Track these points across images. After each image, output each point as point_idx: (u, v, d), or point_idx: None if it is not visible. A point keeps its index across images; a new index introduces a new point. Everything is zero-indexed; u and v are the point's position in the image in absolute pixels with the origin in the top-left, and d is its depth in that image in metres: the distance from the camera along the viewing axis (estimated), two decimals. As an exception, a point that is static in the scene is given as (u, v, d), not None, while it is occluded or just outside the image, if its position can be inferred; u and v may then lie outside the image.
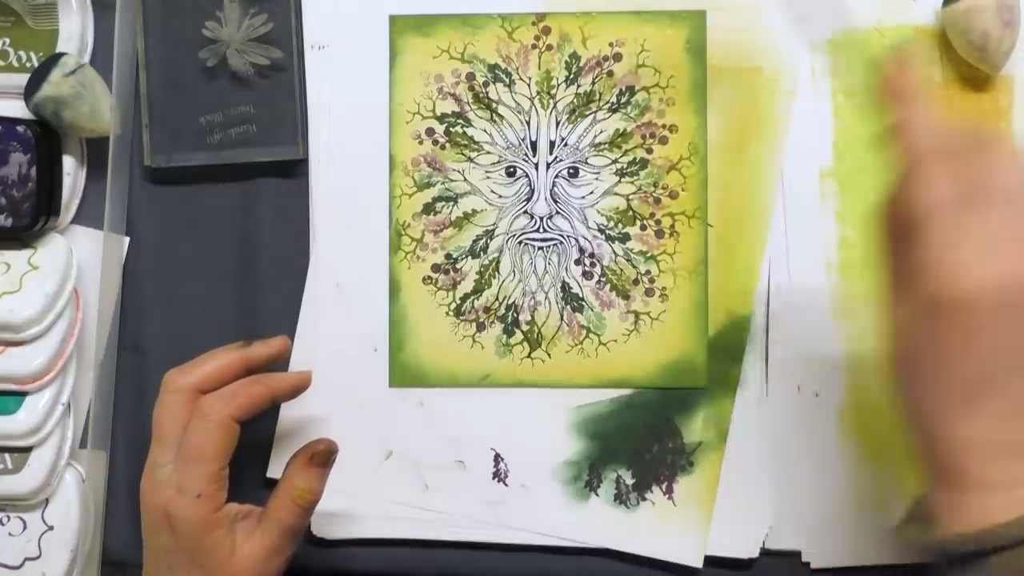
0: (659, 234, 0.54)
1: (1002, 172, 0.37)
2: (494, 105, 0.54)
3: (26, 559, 0.52)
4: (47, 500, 0.53)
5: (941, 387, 0.37)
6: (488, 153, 0.54)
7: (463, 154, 0.54)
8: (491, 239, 0.54)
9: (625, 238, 0.54)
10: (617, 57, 0.54)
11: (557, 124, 0.54)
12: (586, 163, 0.54)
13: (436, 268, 0.54)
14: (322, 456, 0.47)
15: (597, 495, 0.53)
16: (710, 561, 0.52)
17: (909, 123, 0.39)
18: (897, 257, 0.39)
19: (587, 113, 0.54)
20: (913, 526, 0.39)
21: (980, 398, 0.36)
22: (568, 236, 0.54)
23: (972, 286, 0.35)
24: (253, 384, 0.47)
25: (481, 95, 0.54)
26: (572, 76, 0.54)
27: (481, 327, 0.54)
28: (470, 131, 0.54)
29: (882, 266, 0.40)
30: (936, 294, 0.36)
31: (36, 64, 0.53)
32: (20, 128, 0.51)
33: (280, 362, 0.51)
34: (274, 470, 0.53)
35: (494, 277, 0.54)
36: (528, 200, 0.54)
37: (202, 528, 0.45)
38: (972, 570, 0.35)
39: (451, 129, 0.54)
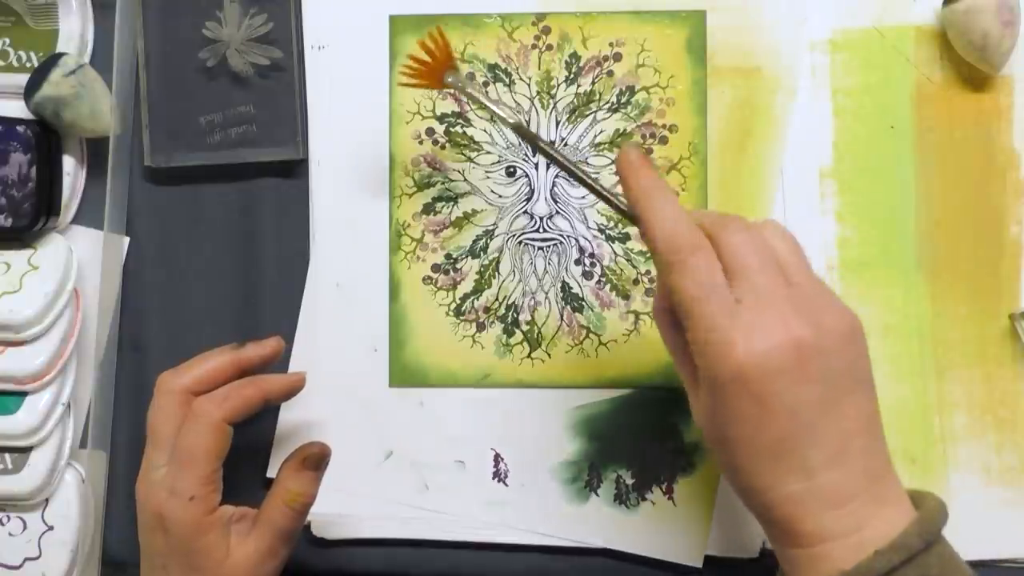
0: (659, 234, 0.54)
1: (746, 249, 0.39)
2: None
3: (26, 559, 0.52)
4: (47, 500, 0.53)
5: (750, 455, 0.38)
6: (488, 153, 0.54)
7: (463, 154, 0.54)
8: (491, 239, 0.54)
9: (625, 238, 0.54)
10: (617, 57, 0.54)
11: (557, 124, 0.54)
12: (586, 163, 0.54)
13: (436, 268, 0.54)
14: (314, 460, 0.47)
15: (597, 495, 0.53)
16: (710, 561, 0.52)
17: (653, 222, 0.40)
18: (678, 347, 0.42)
19: (587, 113, 0.54)
20: None
21: (789, 457, 0.37)
22: (568, 236, 0.54)
23: (741, 361, 0.37)
24: (246, 386, 0.47)
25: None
26: (572, 76, 0.54)
27: (481, 327, 0.54)
28: (470, 131, 0.54)
29: (673, 353, 0.43)
30: (713, 375, 0.38)
31: (36, 64, 0.53)
32: (20, 128, 0.51)
33: (275, 363, 0.51)
34: (274, 470, 0.53)
35: (494, 277, 0.54)
36: (528, 200, 0.54)
37: (195, 531, 0.45)
38: None
39: (451, 129, 0.54)
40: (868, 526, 0.37)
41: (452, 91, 0.54)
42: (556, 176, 0.54)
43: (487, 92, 0.54)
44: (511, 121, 0.47)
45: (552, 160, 0.46)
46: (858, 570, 0.36)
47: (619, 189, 0.54)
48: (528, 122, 0.54)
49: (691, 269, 0.39)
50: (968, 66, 0.53)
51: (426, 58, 0.49)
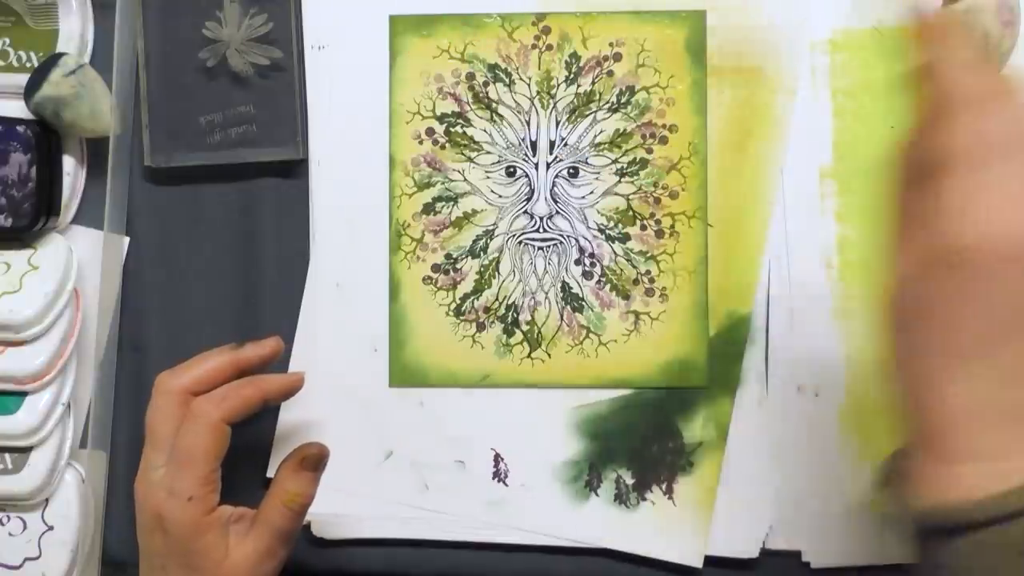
0: (659, 234, 0.54)
1: None
2: (494, 105, 0.54)
3: (26, 559, 0.52)
4: (47, 500, 0.53)
5: (939, 345, 0.34)
6: (488, 153, 0.54)
7: (463, 154, 0.54)
8: (491, 239, 0.54)
9: (625, 238, 0.54)
10: (617, 57, 0.54)
11: (557, 124, 0.54)
12: (586, 163, 0.54)
13: (436, 268, 0.54)
14: (312, 460, 0.47)
15: (597, 495, 0.53)
16: (710, 561, 0.52)
17: (940, 64, 0.36)
18: (910, 203, 0.37)
19: (587, 113, 0.54)
20: (891, 492, 0.37)
21: (978, 360, 0.34)
22: (568, 236, 0.54)
23: (990, 235, 0.33)
24: (244, 386, 0.47)
25: (481, 95, 0.54)
26: (572, 76, 0.54)
27: (481, 327, 0.54)
28: (470, 131, 0.54)
29: (892, 212, 0.38)
30: (951, 242, 0.34)
31: (36, 64, 0.53)
32: (20, 128, 0.51)
33: (274, 363, 0.50)
34: (273, 470, 0.53)
35: (494, 277, 0.54)
36: (528, 200, 0.54)
37: (193, 531, 0.45)
38: (954, 543, 0.33)
39: (451, 129, 0.54)
40: (1020, 456, 0.33)
41: (452, 91, 0.54)
42: (556, 176, 0.54)
43: (487, 92, 0.54)
44: None
45: None
46: (998, 499, 0.32)
47: (621, 189, 0.54)
48: (528, 122, 0.54)
49: (962, 127, 0.35)
50: (968, 66, 0.53)
51: None
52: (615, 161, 0.54)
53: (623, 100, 0.54)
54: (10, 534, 0.52)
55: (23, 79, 0.52)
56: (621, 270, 0.54)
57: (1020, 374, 0.34)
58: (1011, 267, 0.33)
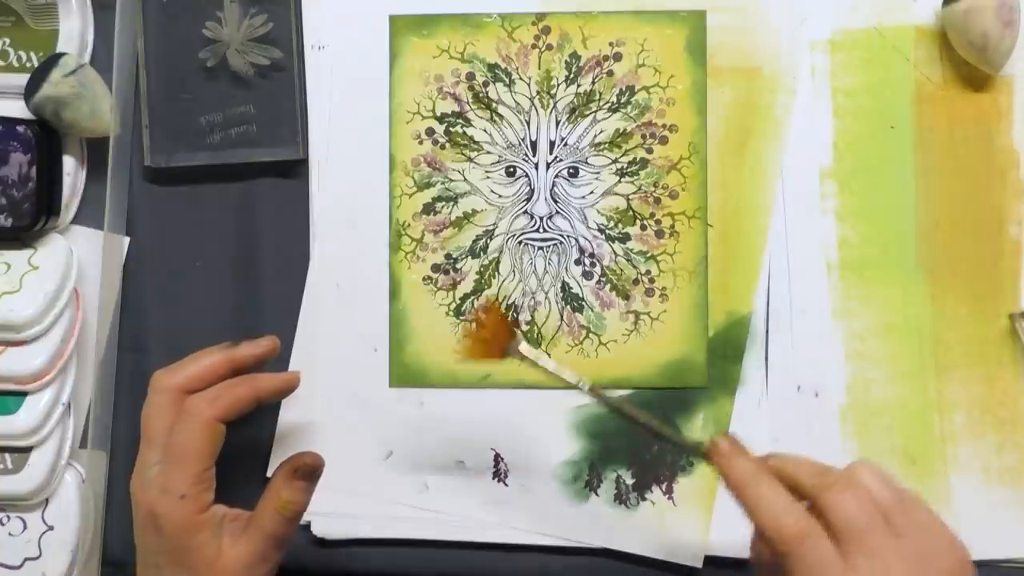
0: (659, 234, 0.54)
1: (851, 507, 0.39)
2: (494, 105, 0.54)
3: (26, 559, 0.52)
4: (47, 500, 0.53)
5: None
6: (488, 153, 0.54)
7: (463, 154, 0.54)
8: (491, 239, 0.54)
9: (625, 238, 0.54)
10: (617, 57, 0.54)
11: (557, 124, 0.54)
12: (586, 163, 0.54)
13: (436, 268, 0.54)
14: (306, 471, 0.47)
15: (597, 495, 0.53)
16: (710, 561, 0.52)
17: (760, 510, 0.40)
18: None
19: (587, 113, 0.54)
20: None
21: None
22: (568, 236, 0.54)
23: None
24: (239, 385, 0.47)
25: (481, 95, 0.54)
26: (572, 76, 0.54)
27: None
28: (470, 131, 0.54)
29: None
30: None
31: (36, 64, 0.53)
32: (20, 128, 0.51)
33: (270, 362, 0.50)
34: (274, 470, 0.53)
35: (494, 277, 0.54)
36: (528, 200, 0.54)
37: (186, 529, 0.44)
38: None
39: (451, 129, 0.54)
40: None
41: (452, 91, 0.54)
42: (556, 176, 0.54)
43: (487, 92, 0.54)
44: (585, 388, 0.46)
45: (624, 416, 0.46)
46: None
47: (621, 189, 0.54)
48: (528, 122, 0.54)
49: (802, 557, 0.39)
50: (968, 66, 0.53)
51: (484, 333, 0.48)
52: (615, 161, 0.54)
53: (623, 100, 0.54)
54: (10, 534, 0.52)
55: (23, 79, 0.52)
56: (621, 270, 0.54)
57: None
58: None
